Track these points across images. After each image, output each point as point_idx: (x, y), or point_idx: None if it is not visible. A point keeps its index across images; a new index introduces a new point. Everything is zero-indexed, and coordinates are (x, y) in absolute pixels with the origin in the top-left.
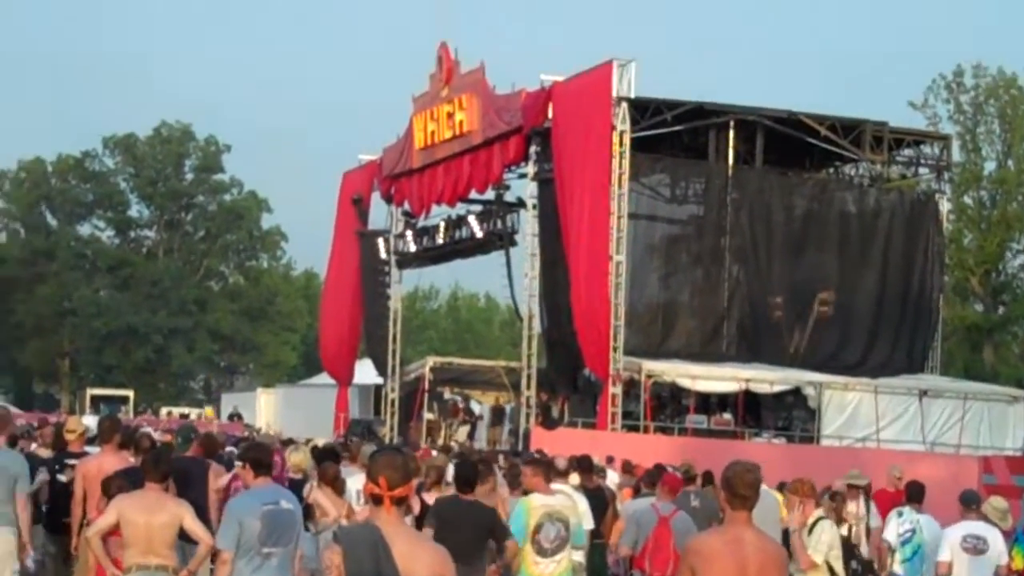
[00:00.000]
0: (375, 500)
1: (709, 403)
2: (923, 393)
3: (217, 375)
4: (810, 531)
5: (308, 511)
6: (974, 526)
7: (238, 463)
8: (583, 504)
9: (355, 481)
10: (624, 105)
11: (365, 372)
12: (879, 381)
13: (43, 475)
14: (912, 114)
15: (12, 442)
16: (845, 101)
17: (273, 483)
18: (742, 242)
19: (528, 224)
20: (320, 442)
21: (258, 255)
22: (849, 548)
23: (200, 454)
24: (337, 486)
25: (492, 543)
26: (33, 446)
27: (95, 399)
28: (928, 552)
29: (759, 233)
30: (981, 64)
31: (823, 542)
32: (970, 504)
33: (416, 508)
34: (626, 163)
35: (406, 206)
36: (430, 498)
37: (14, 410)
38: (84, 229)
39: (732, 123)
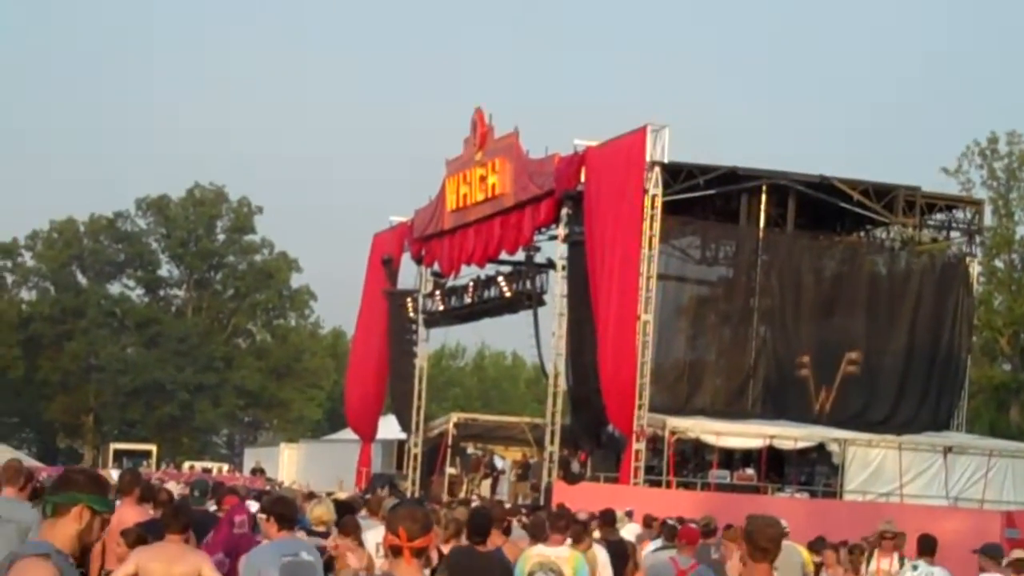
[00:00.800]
0: (395, 552)
1: (732, 459)
2: (948, 449)
3: (241, 430)
4: None
5: (329, 562)
6: None
7: (262, 516)
8: (603, 556)
9: (375, 534)
10: (657, 169)
11: (389, 428)
12: (904, 438)
13: None
14: (945, 180)
15: (34, 495)
16: (878, 167)
17: (294, 536)
18: (771, 303)
19: (556, 284)
20: (341, 495)
21: (286, 314)
22: None
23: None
24: (357, 538)
25: None
26: None
27: (118, 453)
28: None
29: (788, 294)
30: (1015, 132)
31: None
32: (992, 556)
33: (435, 560)
34: (657, 225)
35: (436, 266)
36: (447, 549)
37: (37, 464)
38: (114, 288)
39: (764, 187)
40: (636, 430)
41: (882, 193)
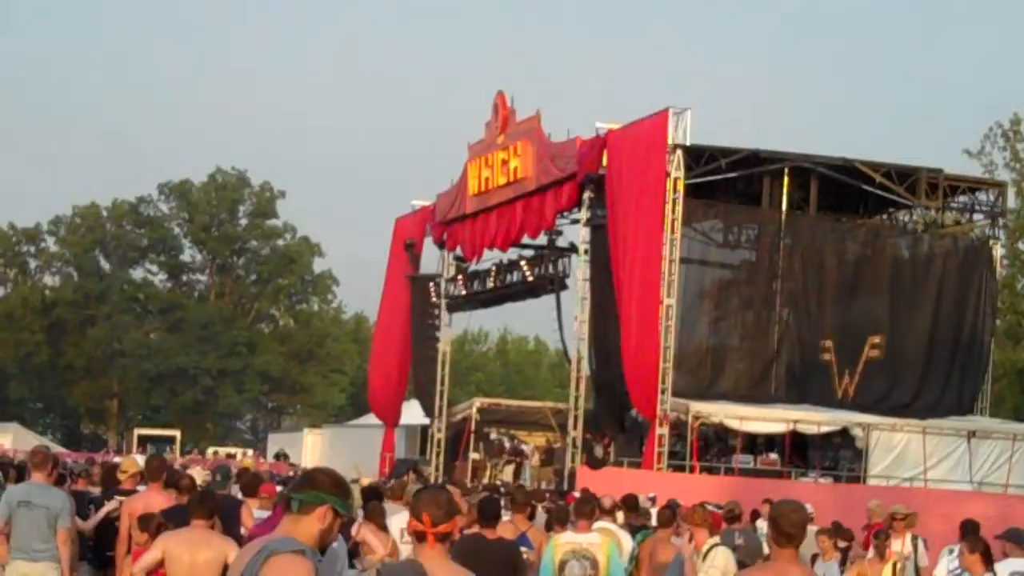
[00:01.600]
0: (418, 537)
1: (755, 444)
2: (972, 434)
3: (264, 416)
4: (704, 558)
5: (355, 549)
6: (1020, 563)
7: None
8: (628, 542)
9: (399, 519)
10: (679, 152)
11: (412, 413)
12: (927, 422)
13: (98, 514)
14: (967, 162)
15: (61, 481)
16: (900, 149)
17: None
18: (793, 287)
19: (579, 268)
20: (365, 481)
21: (309, 299)
22: None
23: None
24: (381, 523)
25: None
26: (85, 485)
27: (142, 439)
28: None
29: (810, 278)
30: None
31: (716, 567)
32: (1018, 541)
33: None
34: (679, 209)
35: (458, 251)
36: None
37: (62, 450)
38: (137, 273)
39: (787, 170)
40: (659, 415)
41: (905, 175)
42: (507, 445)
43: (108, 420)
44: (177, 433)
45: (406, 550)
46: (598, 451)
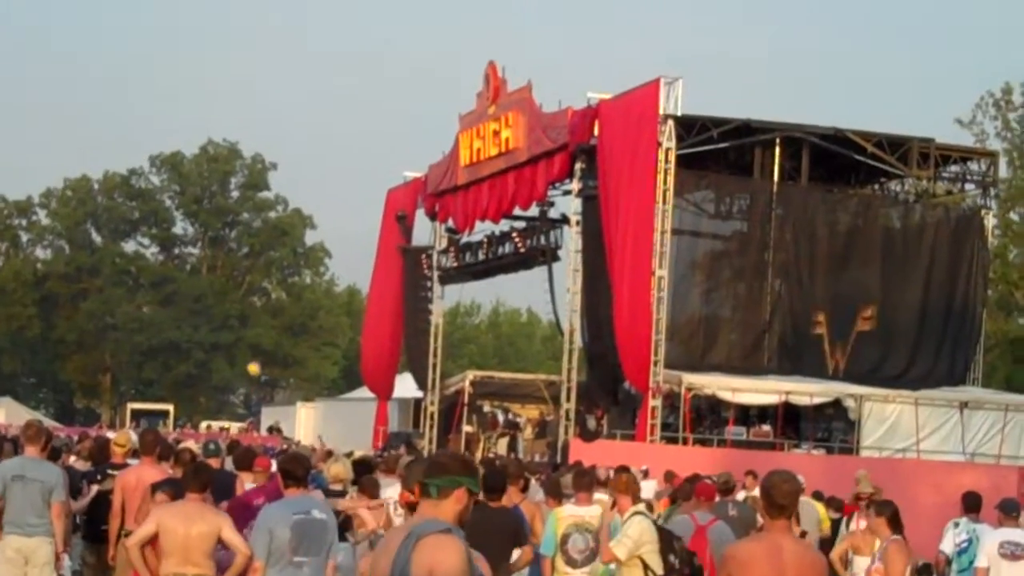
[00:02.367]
0: (411, 508)
1: (748, 415)
2: (964, 405)
3: (257, 389)
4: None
5: (347, 522)
6: (1012, 533)
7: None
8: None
9: (392, 491)
10: (670, 122)
11: (405, 386)
12: (920, 393)
13: (91, 491)
14: (959, 132)
15: (54, 455)
16: (891, 119)
17: (306, 494)
18: (785, 257)
19: (571, 240)
20: (357, 454)
21: (301, 271)
22: (669, 541)
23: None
24: (374, 496)
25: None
26: (72, 459)
27: (136, 413)
28: None
29: (802, 248)
30: None
31: (629, 536)
32: (1009, 512)
33: None
34: (671, 179)
35: (450, 223)
36: None
37: (54, 424)
38: (129, 246)
39: (778, 140)
40: (652, 387)
41: (896, 145)
42: (500, 418)
43: (101, 394)
44: (171, 407)
45: (399, 523)
46: (591, 423)
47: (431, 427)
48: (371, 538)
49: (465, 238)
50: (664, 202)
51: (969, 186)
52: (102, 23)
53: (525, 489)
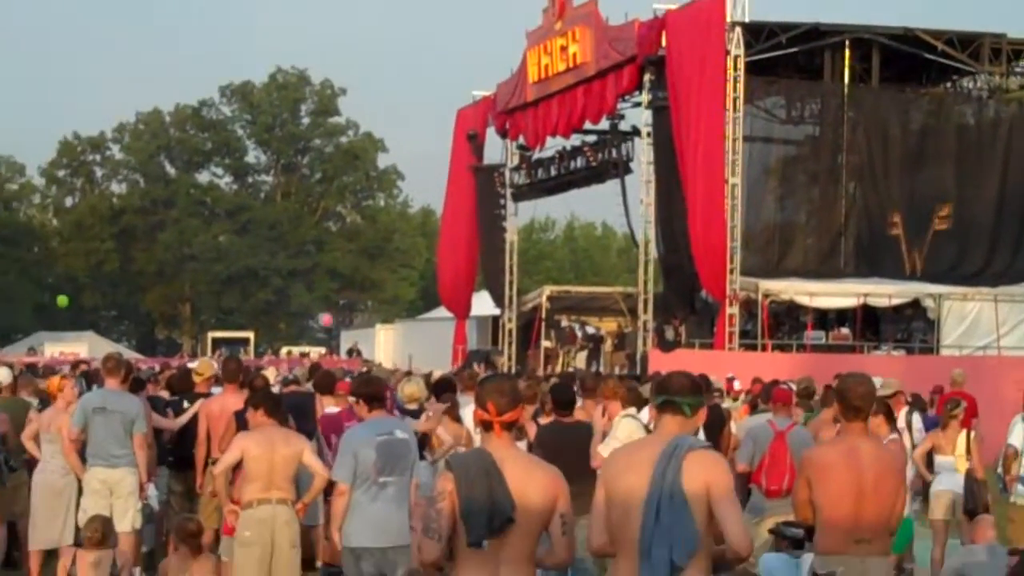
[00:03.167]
0: (485, 426)
1: (827, 319)
2: None
3: (336, 313)
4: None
5: (425, 440)
6: None
7: (351, 398)
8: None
9: (471, 410)
10: (738, 30)
11: (483, 304)
12: (999, 289)
13: (187, 413)
14: None
15: (139, 386)
16: (961, 16)
17: (387, 414)
18: (859, 160)
19: (643, 152)
20: (437, 374)
21: (375, 194)
22: None
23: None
24: (455, 415)
25: None
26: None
27: (216, 342)
28: None
29: (876, 150)
30: None
31: (617, 438)
32: None
33: (531, 434)
34: (741, 87)
35: (521, 140)
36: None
37: (137, 356)
38: (203, 176)
39: (847, 42)
40: (729, 295)
41: (967, 42)
42: (579, 332)
43: (182, 324)
44: (251, 335)
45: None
46: (669, 334)
47: (510, 344)
48: (448, 456)
49: (536, 154)
50: (735, 110)
51: None
52: None
53: None
